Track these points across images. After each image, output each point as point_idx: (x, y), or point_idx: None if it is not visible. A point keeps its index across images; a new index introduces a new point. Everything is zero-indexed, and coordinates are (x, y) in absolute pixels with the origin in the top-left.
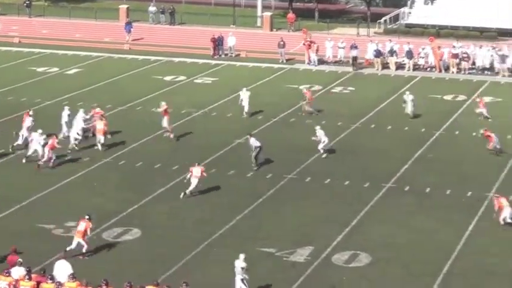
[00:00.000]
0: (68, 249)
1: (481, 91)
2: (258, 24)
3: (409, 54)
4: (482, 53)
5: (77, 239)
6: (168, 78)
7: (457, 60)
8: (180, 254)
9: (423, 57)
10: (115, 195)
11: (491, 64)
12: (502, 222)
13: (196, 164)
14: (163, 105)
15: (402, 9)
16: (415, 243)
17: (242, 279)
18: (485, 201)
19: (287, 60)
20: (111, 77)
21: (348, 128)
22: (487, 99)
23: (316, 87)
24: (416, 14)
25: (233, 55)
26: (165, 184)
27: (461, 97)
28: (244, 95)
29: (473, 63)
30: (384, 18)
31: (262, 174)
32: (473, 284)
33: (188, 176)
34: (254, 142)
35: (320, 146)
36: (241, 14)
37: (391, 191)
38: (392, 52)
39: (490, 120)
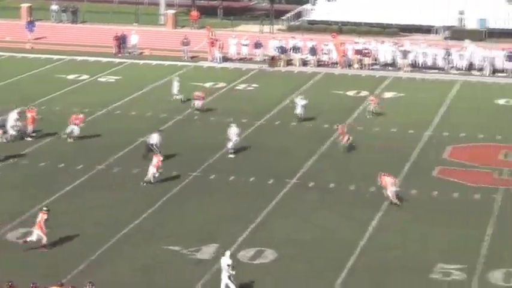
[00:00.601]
0: (28, 239)
1: (384, 87)
2: (161, 22)
3: (313, 51)
4: (384, 49)
5: (37, 231)
6: (71, 77)
7: (360, 56)
8: (84, 254)
9: (326, 54)
10: (19, 196)
11: (394, 60)
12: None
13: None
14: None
15: (305, 6)
16: (319, 239)
17: (229, 276)
18: None
19: (191, 57)
20: (13, 77)
21: (252, 125)
22: (389, 94)
23: (220, 85)
24: (318, 11)
25: (136, 53)
26: (69, 184)
27: (363, 93)
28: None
29: (376, 59)
30: (287, 15)
31: (167, 172)
32: (376, 280)
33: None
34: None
35: (229, 145)
36: (144, 12)
37: (295, 187)
38: (296, 49)
39: (379, 115)
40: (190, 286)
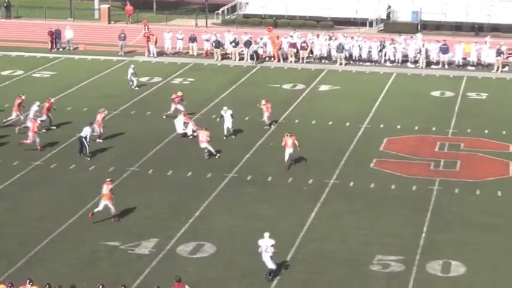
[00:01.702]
0: (95, 210)
1: (319, 79)
2: (96, 16)
3: (248, 44)
4: (320, 42)
5: (104, 202)
6: (5, 73)
7: (295, 50)
8: (22, 251)
9: (262, 47)
10: None
11: (329, 53)
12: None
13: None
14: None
15: (240, 0)
16: (258, 231)
17: (271, 256)
18: (327, 188)
19: (126, 52)
20: None
21: (189, 119)
22: (325, 87)
23: (156, 79)
24: (253, 5)
25: (71, 48)
26: (6, 180)
27: (300, 86)
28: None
29: (311, 52)
30: (221, 9)
31: (105, 168)
32: (316, 270)
33: None
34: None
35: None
36: (78, 6)
37: (233, 180)
38: (235, 42)
39: (272, 127)
40: (130, 281)
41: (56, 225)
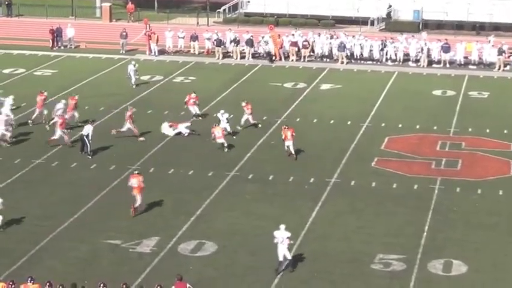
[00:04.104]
0: (136, 205)
1: (320, 78)
2: (97, 15)
3: (250, 43)
4: (321, 41)
5: (137, 195)
6: (6, 71)
7: (296, 48)
8: (23, 249)
9: (264, 45)
10: None
11: (330, 51)
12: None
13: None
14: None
15: None
16: (260, 230)
17: (288, 248)
18: (328, 187)
19: (127, 50)
20: None
21: (190, 118)
22: (327, 86)
23: (157, 78)
24: (255, 3)
25: (73, 46)
26: (7, 179)
27: (301, 84)
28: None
29: (312, 51)
30: (223, 8)
31: (106, 166)
32: (318, 269)
33: None
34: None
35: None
36: (79, 4)
37: (235, 179)
38: (236, 41)
39: (258, 126)
40: (131, 280)
41: (58, 222)
